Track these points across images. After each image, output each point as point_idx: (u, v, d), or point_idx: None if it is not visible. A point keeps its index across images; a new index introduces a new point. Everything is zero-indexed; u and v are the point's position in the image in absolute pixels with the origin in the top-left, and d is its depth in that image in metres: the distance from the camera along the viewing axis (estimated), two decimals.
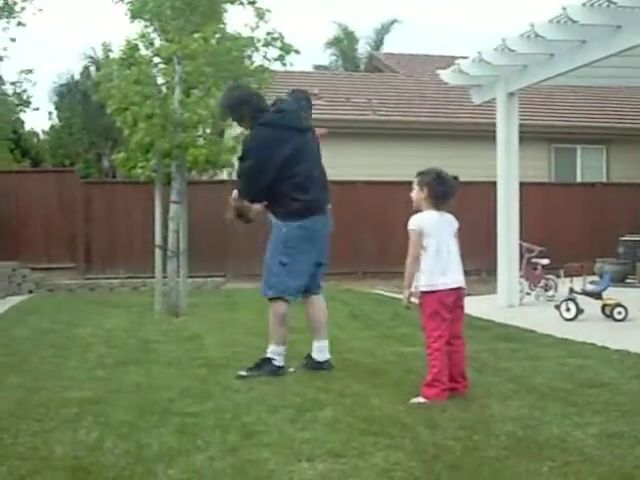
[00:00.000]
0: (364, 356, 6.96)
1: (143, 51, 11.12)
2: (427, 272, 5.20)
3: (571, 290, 9.45)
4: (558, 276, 11.20)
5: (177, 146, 10.45)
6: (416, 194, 5.36)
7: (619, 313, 9.09)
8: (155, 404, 5.07)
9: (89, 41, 48.92)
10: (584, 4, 8.73)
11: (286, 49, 11.06)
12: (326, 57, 37.67)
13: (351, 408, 4.88)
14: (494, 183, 11.63)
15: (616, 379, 5.71)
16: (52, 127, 33.85)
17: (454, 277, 5.23)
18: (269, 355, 6.16)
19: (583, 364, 6.32)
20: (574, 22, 9.01)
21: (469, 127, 19.10)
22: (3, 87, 22.35)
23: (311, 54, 42.77)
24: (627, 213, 17.10)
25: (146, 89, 10.43)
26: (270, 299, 6.18)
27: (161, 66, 11.32)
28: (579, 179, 20.30)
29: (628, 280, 13.59)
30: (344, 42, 37.12)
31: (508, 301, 11.16)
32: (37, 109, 23.62)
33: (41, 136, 35.99)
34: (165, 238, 10.77)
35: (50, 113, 33.72)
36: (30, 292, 14.76)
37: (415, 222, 5.25)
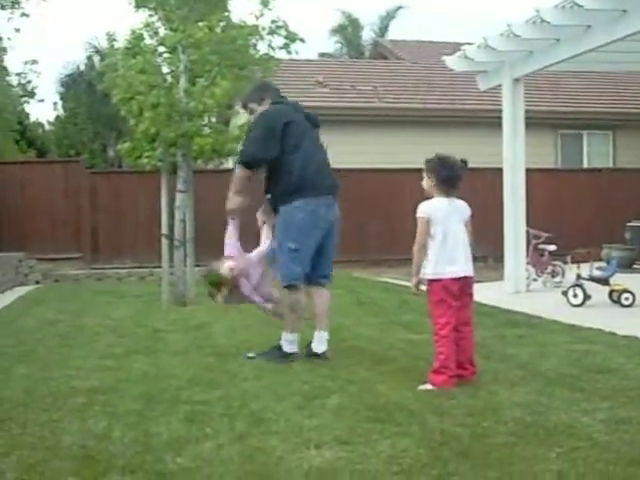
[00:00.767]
0: (371, 343, 6.96)
1: (148, 40, 11.09)
2: (434, 260, 5.19)
3: (578, 276, 9.43)
4: (565, 262, 11.19)
5: (183, 135, 10.44)
6: (426, 182, 5.36)
7: (626, 299, 9.08)
8: (163, 393, 5.08)
9: (93, 31, 48.97)
10: None
11: (291, 37, 11.04)
12: (331, 45, 37.60)
13: (358, 395, 4.89)
14: (500, 170, 11.61)
15: (624, 365, 5.70)
16: (57, 118, 33.87)
17: (461, 265, 5.21)
18: (280, 342, 6.21)
19: (590, 350, 6.31)
20: (579, 7, 8.97)
21: (475, 114, 19.03)
22: (8, 78, 22.38)
23: (316, 42, 42.73)
24: (634, 199, 17.02)
25: (151, 78, 10.41)
26: (284, 287, 6.21)
27: (166, 55, 11.29)
28: (585, 165, 20.25)
29: (635, 266, 13.57)
30: (348, 29, 37.02)
31: (515, 288, 11.15)
32: (42, 100, 23.72)
33: (46, 127, 36.01)
34: (171, 227, 10.77)
35: (55, 104, 33.77)
36: (37, 283, 14.80)
37: (423, 209, 5.24)
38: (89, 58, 33.19)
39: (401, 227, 15.35)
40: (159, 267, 11.54)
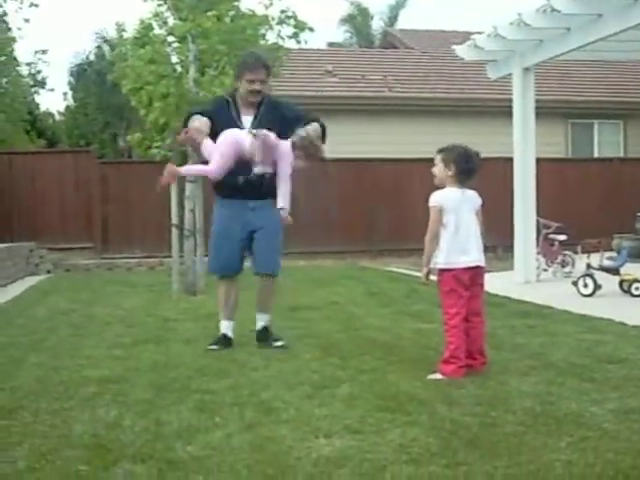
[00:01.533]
0: (381, 333, 6.96)
1: (157, 30, 11.09)
2: (445, 250, 5.18)
3: (588, 266, 9.42)
4: (575, 252, 11.16)
5: None
6: (440, 171, 5.32)
7: (637, 288, 9.06)
8: (173, 382, 5.10)
9: (102, 21, 48.97)
10: None
11: (300, 26, 11.03)
12: (340, 34, 37.53)
13: (368, 385, 4.89)
14: (510, 159, 11.58)
15: (634, 354, 5.69)
16: (67, 108, 33.89)
17: (472, 255, 5.20)
18: (268, 324, 6.54)
19: (601, 340, 6.30)
20: None
21: (485, 103, 19.01)
22: (18, 68, 22.41)
23: (325, 32, 42.61)
24: None
25: (160, 68, 10.42)
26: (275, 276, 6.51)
27: (175, 45, 11.29)
28: (596, 154, 20.19)
29: None
30: (358, 19, 36.94)
31: (525, 277, 11.14)
32: (52, 90, 23.81)
33: (57, 117, 36.05)
34: (181, 217, 10.78)
35: (65, 94, 33.78)
36: (48, 272, 14.86)
37: (436, 199, 5.23)
38: (99, 48, 33.20)
39: (410, 217, 15.37)
40: (169, 257, 11.56)
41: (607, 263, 9.69)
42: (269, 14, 11.05)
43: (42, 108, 33.30)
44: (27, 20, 21.03)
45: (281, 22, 11.07)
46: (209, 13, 10.53)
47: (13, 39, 21.06)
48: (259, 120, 6.21)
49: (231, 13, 11.02)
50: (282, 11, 11.03)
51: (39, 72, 23.24)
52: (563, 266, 11.58)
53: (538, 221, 11.49)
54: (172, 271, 11.04)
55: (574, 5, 9.28)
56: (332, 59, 21.78)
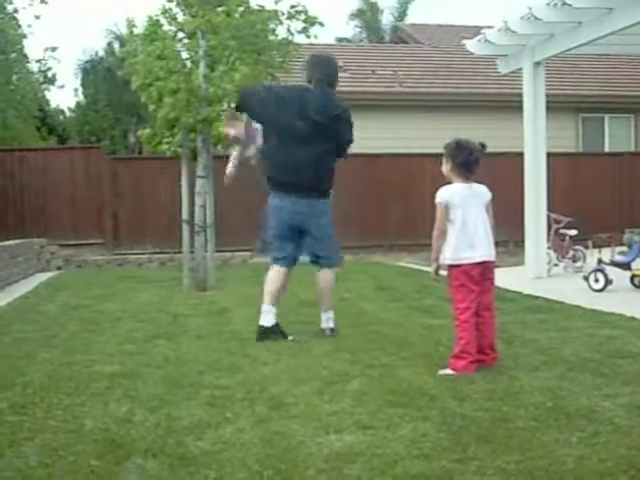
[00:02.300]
0: (391, 328, 6.96)
1: (166, 26, 11.08)
2: (453, 245, 5.17)
3: (600, 261, 9.39)
4: (586, 247, 11.12)
5: (202, 121, 10.44)
6: (444, 167, 5.34)
7: None
8: (184, 377, 5.11)
9: (113, 17, 49.00)
10: None
11: (310, 21, 11.00)
12: (350, 29, 37.52)
13: (379, 380, 4.89)
14: (521, 154, 11.55)
15: None
16: (78, 104, 33.98)
17: (481, 250, 5.19)
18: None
19: (612, 335, 6.28)
20: None
21: (496, 98, 18.93)
22: (28, 65, 22.46)
23: (335, 27, 42.56)
24: None
25: (170, 64, 10.40)
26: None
27: (185, 41, 11.29)
28: (607, 149, 20.12)
29: None
30: (367, 13, 36.89)
31: (536, 272, 11.11)
32: (62, 87, 23.84)
33: (67, 113, 36.14)
34: (192, 213, 10.79)
35: (76, 90, 33.88)
36: (59, 268, 14.89)
37: (442, 195, 5.23)
38: (109, 45, 33.27)
39: (421, 212, 15.34)
40: (180, 252, 11.58)
41: (618, 258, 9.66)
42: (279, 9, 11.03)
43: (52, 105, 33.41)
44: (38, 17, 21.04)
45: (291, 17, 11.04)
46: (219, 9, 10.52)
47: (24, 36, 21.11)
48: None
49: (240, 9, 11.00)
50: (292, 6, 11.00)
51: (49, 69, 23.26)
52: (574, 261, 11.55)
53: (549, 216, 11.45)
54: (183, 267, 11.06)
55: None
56: (342, 54, 21.73)
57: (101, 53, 33.60)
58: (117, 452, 3.62)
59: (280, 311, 6.59)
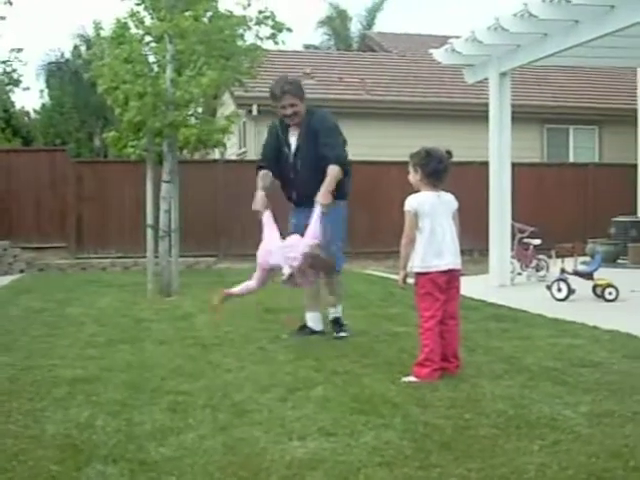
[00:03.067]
0: (356, 335, 6.95)
1: (133, 30, 11.02)
2: (421, 253, 5.19)
3: (562, 270, 9.46)
4: (550, 256, 11.23)
5: (168, 125, 10.39)
6: (412, 176, 5.35)
7: (610, 293, 9.11)
8: (146, 382, 5.08)
9: (80, 19, 48.67)
10: None
11: (278, 27, 10.98)
12: (318, 36, 37.57)
13: (342, 387, 4.89)
14: (486, 163, 11.62)
15: (606, 359, 5.72)
16: (43, 106, 33.69)
17: (448, 258, 5.21)
18: (339, 315, 7.03)
19: (574, 344, 6.33)
20: (567, 2, 8.99)
21: (462, 107, 19.08)
22: None
23: (303, 33, 42.61)
24: (619, 194, 17.01)
25: (137, 67, 10.35)
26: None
27: (152, 45, 11.24)
28: (571, 160, 20.34)
29: (619, 261, 13.62)
30: (336, 21, 36.95)
31: (500, 281, 11.18)
32: (27, 89, 23.53)
33: (32, 115, 35.82)
34: (157, 218, 10.73)
35: (41, 91, 33.59)
36: (21, 272, 14.72)
37: (410, 203, 5.24)
38: (76, 47, 33.01)
39: (387, 220, 15.38)
40: (144, 257, 11.51)
41: (581, 268, 9.75)
42: (247, 15, 11.01)
43: (17, 106, 33.09)
44: (3, 18, 20.80)
45: (259, 22, 11.02)
46: (187, 13, 10.49)
47: None
48: (302, 137, 6.74)
49: (209, 13, 10.98)
50: (260, 12, 10.97)
51: (14, 70, 23.01)
52: (537, 270, 11.64)
53: (513, 225, 11.54)
54: (147, 271, 11.00)
55: (551, 11, 9.34)
56: (310, 61, 21.80)
57: (67, 55, 33.35)
58: (78, 457, 3.59)
59: (246, 318, 6.58)
